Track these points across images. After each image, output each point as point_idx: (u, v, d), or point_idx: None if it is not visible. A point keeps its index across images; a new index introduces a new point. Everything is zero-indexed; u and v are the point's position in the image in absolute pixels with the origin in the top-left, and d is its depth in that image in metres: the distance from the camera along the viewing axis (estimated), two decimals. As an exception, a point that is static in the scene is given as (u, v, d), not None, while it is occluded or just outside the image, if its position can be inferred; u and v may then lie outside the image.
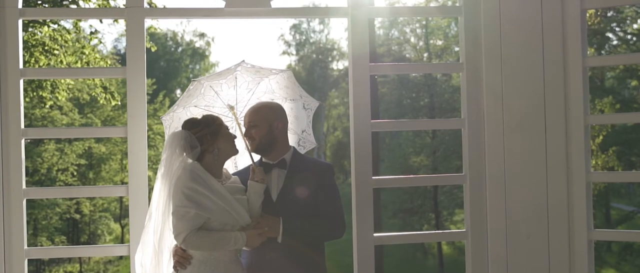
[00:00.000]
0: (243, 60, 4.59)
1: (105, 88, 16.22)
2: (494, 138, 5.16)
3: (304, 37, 51.69)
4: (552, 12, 5.15)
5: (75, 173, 30.08)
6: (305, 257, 4.47)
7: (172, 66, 52.48)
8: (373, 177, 5.15)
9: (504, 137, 5.15)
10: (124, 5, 5.04)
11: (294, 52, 52.46)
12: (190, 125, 4.35)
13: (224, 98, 4.63)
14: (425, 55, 37.14)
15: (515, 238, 5.15)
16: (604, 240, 4.83)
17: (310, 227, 4.44)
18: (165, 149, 4.33)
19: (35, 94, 16.47)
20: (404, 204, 35.74)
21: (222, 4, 5.08)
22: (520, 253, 5.14)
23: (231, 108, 4.61)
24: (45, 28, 15.19)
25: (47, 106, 18.57)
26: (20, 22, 4.92)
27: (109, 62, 15.82)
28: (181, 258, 4.28)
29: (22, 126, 4.91)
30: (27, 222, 23.20)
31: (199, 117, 4.43)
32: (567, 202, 5.13)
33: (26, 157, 27.82)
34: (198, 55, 54.84)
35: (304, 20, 47.65)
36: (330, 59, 50.69)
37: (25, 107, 25.51)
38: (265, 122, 4.48)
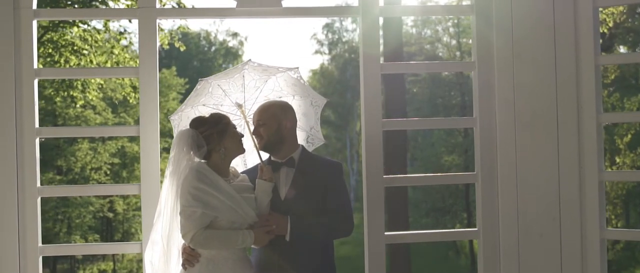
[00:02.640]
0: (250, 59, 4.62)
1: (134, 88, 16.34)
2: (506, 136, 5.16)
3: (336, 36, 51.61)
4: (564, 10, 5.14)
5: (108, 172, 30.28)
6: (314, 254, 4.49)
7: (205, 66, 52.68)
8: (384, 176, 5.16)
9: (516, 135, 5.15)
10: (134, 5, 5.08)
11: (327, 51, 52.40)
12: (198, 123, 4.38)
13: (232, 96, 4.66)
14: (458, 53, 37.00)
15: (527, 237, 5.15)
16: (616, 239, 4.78)
17: (318, 224, 4.45)
18: (172, 147, 4.37)
19: (66, 93, 16.66)
20: (436, 203, 35.68)
21: (233, 4, 5.12)
22: (532, 252, 5.13)
23: (239, 106, 4.64)
24: (75, 28, 15.35)
25: (78, 105, 18.75)
26: (34, 22, 5.00)
27: (139, 61, 15.93)
28: (189, 256, 4.32)
29: (37, 125, 4.99)
30: (61, 220, 23.45)
31: (207, 115, 4.46)
32: (580, 200, 5.11)
33: (60, 156, 28.17)
34: (231, 55, 55.07)
35: (337, 19, 47.54)
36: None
37: (58, 107, 25.82)
38: (274, 120, 4.49)
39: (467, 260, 35.12)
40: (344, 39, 51.87)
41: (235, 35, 56.76)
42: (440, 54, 39.91)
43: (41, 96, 23.81)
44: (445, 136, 35.74)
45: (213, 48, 56.15)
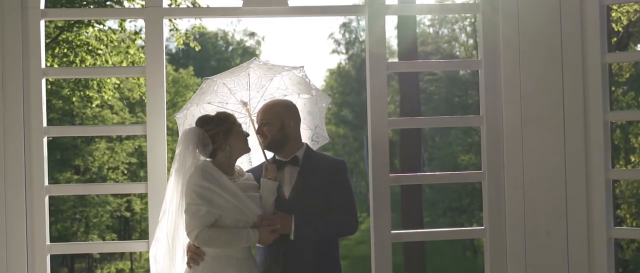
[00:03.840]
0: (255, 58, 4.66)
1: (149, 87, 16.36)
2: (513, 135, 5.15)
3: (353, 36, 51.52)
4: (570, 8, 5.13)
5: (125, 171, 30.42)
6: (319, 253, 4.50)
7: (222, 65, 52.64)
8: (390, 175, 5.17)
9: (523, 134, 5.14)
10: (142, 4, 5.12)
11: (344, 51, 52.34)
12: (203, 122, 4.40)
13: (237, 95, 4.68)
14: (475, 52, 36.92)
15: (534, 236, 5.14)
16: (623, 238, 4.77)
17: (323, 223, 4.46)
18: (178, 145, 4.39)
19: (81, 93, 16.77)
20: (452, 203, 35.63)
21: (239, 3, 5.14)
22: (539, 251, 5.12)
23: (245, 104, 4.66)
24: (91, 28, 15.44)
25: (94, 105, 18.87)
26: (42, 22, 5.04)
27: (146, 61, 16.02)
28: (194, 254, 4.34)
29: (45, 124, 5.02)
30: (79, 220, 23.52)
31: (213, 114, 4.48)
32: (586, 199, 5.10)
33: (78, 156, 28.33)
34: (248, 55, 54.96)
35: (354, 18, 47.47)
36: (380, 57, 50.44)
37: (76, 107, 25.96)
38: (277, 119, 4.50)
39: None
40: (361, 39, 51.83)
41: (252, 34, 56.83)
42: (457, 53, 39.87)
43: (59, 96, 23.95)
44: (462, 135, 35.72)
45: (230, 48, 56.20)
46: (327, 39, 70.39)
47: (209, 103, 4.68)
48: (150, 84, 5.07)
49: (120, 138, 29.82)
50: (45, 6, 5.11)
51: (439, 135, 39.93)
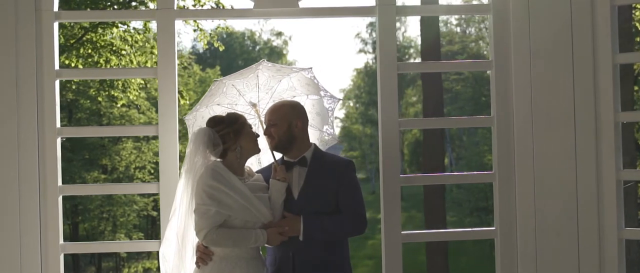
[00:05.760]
0: (263, 60, 4.69)
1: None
2: (523, 135, 5.15)
3: (380, 35, 51.42)
4: (581, 8, 5.12)
5: (152, 171, 30.54)
6: (328, 253, 4.51)
7: (249, 65, 52.79)
8: (401, 175, 5.19)
9: (533, 134, 5.14)
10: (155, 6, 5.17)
11: (371, 50, 52.26)
12: (214, 122, 4.43)
13: (246, 96, 4.71)
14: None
15: (544, 236, 5.13)
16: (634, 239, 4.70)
17: (331, 224, 4.46)
18: (189, 145, 4.42)
19: (107, 93, 16.89)
20: (479, 202, 35.49)
21: (251, 5, 5.18)
22: (550, 251, 5.11)
23: (254, 105, 4.68)
24: (115, 29, 15.55)
25: (119, 105, 18.99)
26: (56, 24, 5.11)
27: (157, 62, 16.17)
28: (203, 254, 4.37)
29: (58, 125, 5.09)
30: (106, 219, 23.62)
31: (224, 114, 4.51)
32: (597, 200, 5.08)
33: (105, 155, 28.52)
34: (275, 54, 55.11)
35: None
36: (407, 57, 50.43)
37: (103, 107, 26.15)
38: (285, 120, 4.51)
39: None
40: (388, 38, 51.70)
41: (279, 34, 56.93)
42: (484, 52, 39.71)
43: (86, 96, 24.14)
44: (489, 135, 35.59)
45: (257, 47, 56.34)
46: (354, 39, 70.44)
47: (219, 104, 4.71)
48: (161, 85, 5.12)
49: (147, 138, 29.96)
50: (62, 8, 5.17)
51: (466, 134, 39.79)
